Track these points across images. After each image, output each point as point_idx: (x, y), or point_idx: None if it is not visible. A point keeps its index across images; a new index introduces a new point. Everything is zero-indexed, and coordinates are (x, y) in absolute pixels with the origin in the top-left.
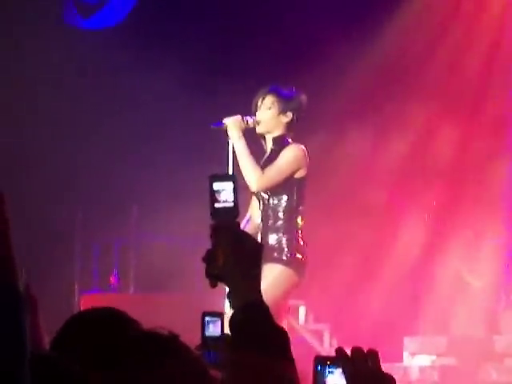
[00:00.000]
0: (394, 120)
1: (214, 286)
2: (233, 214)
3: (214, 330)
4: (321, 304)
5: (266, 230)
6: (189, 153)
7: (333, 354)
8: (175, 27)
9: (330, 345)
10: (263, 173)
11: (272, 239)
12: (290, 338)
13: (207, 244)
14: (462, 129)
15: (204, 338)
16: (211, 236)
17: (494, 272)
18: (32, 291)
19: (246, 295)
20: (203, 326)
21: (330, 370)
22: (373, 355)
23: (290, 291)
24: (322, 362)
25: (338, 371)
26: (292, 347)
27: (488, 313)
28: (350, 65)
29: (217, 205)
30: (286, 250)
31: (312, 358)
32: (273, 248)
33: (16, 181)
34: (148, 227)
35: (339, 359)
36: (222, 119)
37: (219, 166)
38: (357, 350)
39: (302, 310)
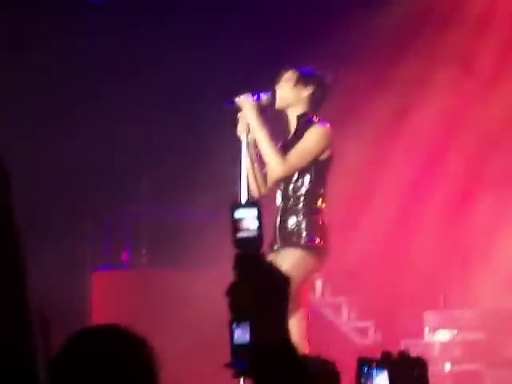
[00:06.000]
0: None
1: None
2: (256, 243)
3: (242, 336)
4: (338, 277)
5: (285, 212)
6: (199, 127)
7: (351, 326)
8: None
9: (348, 318)
10: (286, 156)
11: (291, 222)
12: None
13: (222, 219)
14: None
15: (232, 346)
16: (234, 268)
17: None
18: (44, 315)
19: (272, 334)
20: (231, 333)
21: (376, 372)
22: (420, 363)
23: (309, 276)
24: (367, 364)
25: (384, 374)
26: (310, 321)
27: None
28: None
29: (239, 234)
30: (304, 234)
31: (328, 333)
32: (292, 232)
33: (20, 160)
34: (159, 201)
35: (385, 362)
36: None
37: (232, 141)
38: (404, 356)
39: (318, 283)
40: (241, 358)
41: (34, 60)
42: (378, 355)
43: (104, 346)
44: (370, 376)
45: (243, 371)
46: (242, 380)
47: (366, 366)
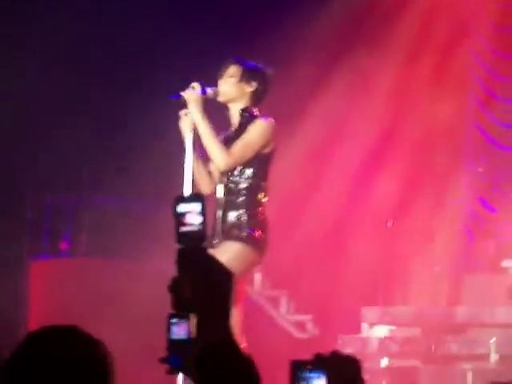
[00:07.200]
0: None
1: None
2: (199, 238)
3: (179, 331)
4: (278, 270)
5: (227, 205)
6: (146, 116)
7: (289, 319)
8: None
9: (287, 312)
10: (230, 149)
11: (232, 215)
12: (246, 305)
13: (163, 211)
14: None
15: (169, 341)
16: (176, 262)
17: (454, 234)
18: None
19: (215, 331)
20: (168, 328)
21: (311, 375)
22: (353, 361)
23: (249, 269)
24: (301, 367)
25: (320, 376)
26: (248, 313)
27: (449, 280)
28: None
29: (182, 228)
30: (245, 226)
31: (267, 325)
32: (233, 225)
33: None
34: (100, 190)
35: (319, 364)
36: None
37: (175, 132)
38: (336, 356)
39: (257, 276)
40: (177, 353)
41: None
42: (314, 349)
43: (59, 348)
44: (304, 380)
45: (178, 367)
46: (181, 376)
47: (300, 369)
